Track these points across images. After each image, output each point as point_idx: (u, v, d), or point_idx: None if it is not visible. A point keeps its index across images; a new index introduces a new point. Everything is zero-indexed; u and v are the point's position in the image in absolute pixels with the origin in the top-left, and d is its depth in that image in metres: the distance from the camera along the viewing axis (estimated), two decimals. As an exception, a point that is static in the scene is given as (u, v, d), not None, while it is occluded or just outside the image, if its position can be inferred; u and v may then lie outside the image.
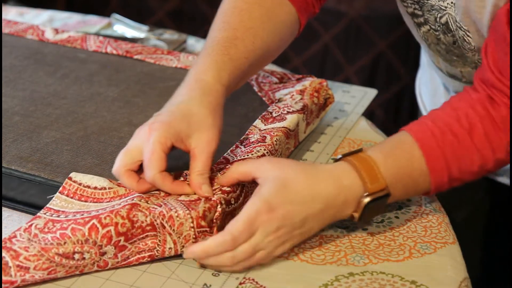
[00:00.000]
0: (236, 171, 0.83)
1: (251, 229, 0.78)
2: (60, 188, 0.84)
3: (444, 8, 0.94)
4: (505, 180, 1.13)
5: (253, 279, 0.79)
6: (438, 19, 0.97)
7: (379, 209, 0.85)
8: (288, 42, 0.99)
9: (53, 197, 0.83)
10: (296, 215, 0.80)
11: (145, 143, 0.82)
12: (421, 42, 1.06)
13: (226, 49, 0.89)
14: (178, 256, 0.81)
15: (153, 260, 0.81)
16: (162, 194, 0.83)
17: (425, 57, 1.22)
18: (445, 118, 0.86)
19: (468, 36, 0.94)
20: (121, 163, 0.83)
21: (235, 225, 0.78)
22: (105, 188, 0.83)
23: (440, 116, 0.87)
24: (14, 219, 0.85)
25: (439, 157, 0.85)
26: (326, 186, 0.81)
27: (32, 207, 0.86)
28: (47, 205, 0.82)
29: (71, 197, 0.83)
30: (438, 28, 0.98)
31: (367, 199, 0.82)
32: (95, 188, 0.83)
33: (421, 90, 1.27)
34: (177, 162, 0.90)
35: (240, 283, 0.79)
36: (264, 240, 0.79)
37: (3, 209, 0.87)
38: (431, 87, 1.21)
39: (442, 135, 0.85)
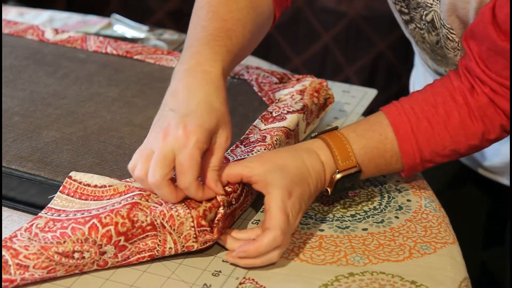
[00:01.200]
0: (226, 174, 0.82)
1: (287, 217, 0.80)
2: (61, 188, 0.84)
3: (430, 5, 0.95)
4: (504, 180, 1.13)
5: (253, 279, 0.79)
6: (423, 17, 0.97)
7: (353, 184, 0.90)
8: (264, 34, 0.98)
9: (54, 197, 0.83)
10: (305, 192, 0.84)
11: (182, 148, 0.77)
12: (410, 39, 1.07)
13: (223, 40, 0.87)
14: (178, 256, 0.81)
15: (153, 259, 0.81)
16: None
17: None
18: (423, 104, 0.89)
19: (451, 33, 0.95)
20: (162, 172, 0.77)
21: (276, 218, 0.79)
22: (105, 186, 0.83)
23: (419, 101, 0.90)
24: (14, 220, 0.85)
25: (412, 141, 0.89)
26: (312, 162, 0.86)
27: (32, 206, 0.86)
28: (48, 205, 0.82)
29: (72, 196, 0.83)
30: (423, 27, 0.99)
31: (338, 175, 0.86)
32: (95, 186, 0.83)
33: (415, 88, 1.28)
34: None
35: (240, 283, 0.79)
36: (295, 223, 0.82)
37: (3, 209, 0.87)
38: (423, 83, 1.22)
39: (418, 121, 0.89)
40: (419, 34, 1.01)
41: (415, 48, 1.09)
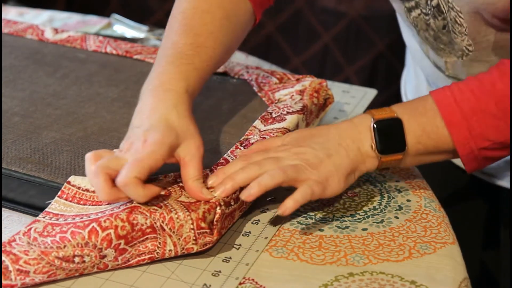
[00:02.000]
0: (258, 145, 0.90)
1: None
2: (59, 192, 0.84)
3: None
4: (505, 183, 1.12)
5: (253, 279, 0.79)
6: (429, 2, 0.97)
7: (396, 141, 0.89)
8: (242, 39, 1.00)
9: (51, 202, 0.83)
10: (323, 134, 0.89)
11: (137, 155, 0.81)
12: (410, 28, 1.06)
13: (190, 58, 0.89)
14: (178, 256, 0.81)
15: (153, 261, 0.81)
16: (162, 193, 0.83)
17: (410, 55, 1.21)
18: (467, 81, 0.89)
19: (460, 17, 0.95)
20: (133, 172, 0.79)
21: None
22: None
23: (465, 80, 0.90)
24: (14, 220, 0.85)
25: (456, 111, 0.88)
26: (338, 124, 0.90)
27: (32, 208, 0.85)
28: (46, 209, 0.82)
29: (70, 201, 0.83)
30: (429, 12, 0.98)
31: (374, 124, 0.88)
32: (94, 192, 0.83)
33: (406, 89, 1.28)
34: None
35: (240, 283, 0.79)
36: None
37: (3, 209, 0.87)
38: (415, 82, 1.22)
39: (461, 93, 0.88)
40: (423, 21, 1.00)
41: (416, 39, 1.09)
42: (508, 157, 1.09)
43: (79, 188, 0.84)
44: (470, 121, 0.87)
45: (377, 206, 0.91)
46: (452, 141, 0.88)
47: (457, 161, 1.17)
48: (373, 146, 0.88)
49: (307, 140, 0.88)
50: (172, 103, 0.85)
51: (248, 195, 0.82)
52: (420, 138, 0.89)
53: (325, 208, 0.91)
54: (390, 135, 0.88)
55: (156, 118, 0.84)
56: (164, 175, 0.87)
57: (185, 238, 0.79)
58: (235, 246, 0.84)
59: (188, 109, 0.86)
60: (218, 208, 0.81)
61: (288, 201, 0.83)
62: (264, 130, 0.94)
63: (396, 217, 0.89)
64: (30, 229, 0.79)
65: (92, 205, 0.82)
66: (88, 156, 0.82)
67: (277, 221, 0.88)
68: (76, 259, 0.77)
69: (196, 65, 0.89)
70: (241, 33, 0.98)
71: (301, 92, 1.01)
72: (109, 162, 0.80)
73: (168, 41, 0.91)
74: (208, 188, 0.83)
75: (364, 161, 0.88)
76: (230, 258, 0.82)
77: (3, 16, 1.34)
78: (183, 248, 0.80)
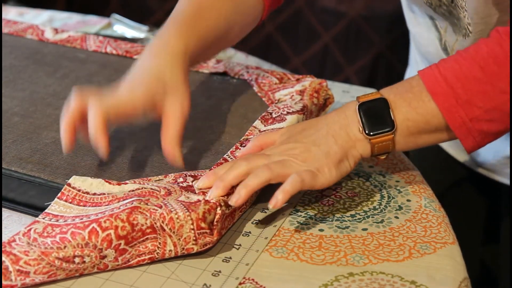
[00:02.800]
0: (258, 139, 0.90)
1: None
2: (59, 194, 0.84)
3: None
4: (504, 180, 1.13)
5: (253, 279, 0.80)
6: None
7: (383, 120, 0.87)
8: (250, 27, 1.01)
9: (50, 203, 0.83)
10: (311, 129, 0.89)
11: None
12: (422, 13, 1.05)
13: (192, 22, 0.91)
14: (178, 256, 0.81)
15: (153, 261, 0.81)
16: (162, 193, 0.83)
17: (414, 51, 1.21)
18: (453, 55, 0.89)
19: None
20: (96, 120, 0.84)
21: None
22: (103, 194, 0.83)
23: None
24: (14, 220, 0.85)
25: (439, 79, 0.86)
26: (327, 114, 0.90)
27: (32, 208, 0.85)
28: (46, 210, 0.82)
29: (70, 202, 0.83)
30: None
31: (359, 106, 0.88)
32: (94, 194, 0.83)
33: None
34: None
35: (240, 283, 0.79)
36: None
37: (3, 209, 0.87)
38: None
39: (444, 62, 0.87)
40: None
41: (421, 29, 1.08)
42: (507, 152, 1.09)
43: (79, 190, 0.84)
44: (456, 88, 0.85)
45: (377, 206, 0.91)
46: (440, 113, 0.86)
47: (458, 158, 1.17)
48: (361, 129, 0.87)
49: (297, 135, 0.88)
50: (169, 58, 0.88)
51: (237, 199, 0.82)
52: (408, 114, 0.87)
53: (325, 208, 0.91)
54: (376, 115, 0.87)
55: (147, 70, 0.87)
56: (164, 175, 0.87)
57: (185, 238, 0.79)
58: (235, 246, 0.84)
59: (182, 68, 0.88)
60: (218, 208, 0.81)
61: (277, 193, 0.82)
62: (264, 130, 0.94)
63: (396, 217, 0.89)
64: (29, 229, 0.79)
65: (92, 206, 0.82)
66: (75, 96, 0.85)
67: (277, 221, 0.88)
68: (76, 260, 0.77)
69: (197, 30, 0.91)
70: (248, 17, 0.99)
71: (301, 92, 1.01)
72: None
73: (174, 10, 0.94)
74: (198, 192, 0.83)
75: (354, 146, 0.87)
76: (230, 258, 0.82)
77: (3, 16, 1.34)
78: (183, 248, 0.80)
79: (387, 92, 0.89)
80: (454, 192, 1.22)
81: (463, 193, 1.22)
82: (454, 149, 1.18)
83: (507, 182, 1.12)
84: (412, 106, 0.87)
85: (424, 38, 1.09)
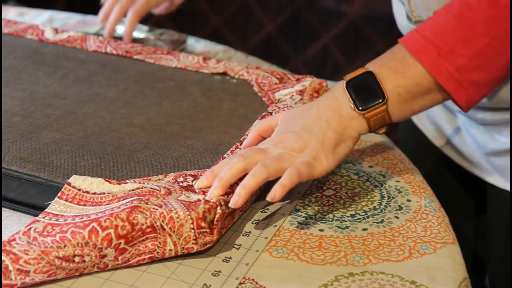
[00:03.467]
0: (256, 128, 0.91)
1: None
2: (59, 194, 0.84)
3: None
4: (506, 186, 1.12)
5: (253, 279, 0.80)
6: None
7: (373, 92, 0.87)
8: None
9: (50, 203, 0.83)
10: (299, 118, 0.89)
11: None
12: None
13: None
14: (178, 256, 0.81)
15: (153, 261, 0.81)
16: (162, 192, 0.83)
17: None
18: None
19: None
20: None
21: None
22: (104, 193, 0.83)
23: None
24: (14, 219, 0.85)
25: (417, 37, 0.87)
26: (319, 98, 0.90)
27: (32, 208, 0.85)
28: (46, 210, 0.82)
29: (70, 202, 0.83)
30: None
31: (346, 83, 0.87)
32: (94, 193, 0.83)
33: None
34: (177, 162, 0.90)
35: (240, 283, 0.79)
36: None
37: (3, 209, 0.87)
38: None
39: (424, 24, 0.87)
40: None
41: (401, 10, 1.08)
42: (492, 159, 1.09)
43: (79, 189, 0.84)
44: (436, 42, 0.85)
45: (377, 206, 0.91)
46: (426, 70, 0.86)
47: (457, 160, 1.17)
48: (352, 106, 0.87)
49: (292, 124, 0.88)
50: None
51: (236, 200, 0.81)
52: (397, 81, 0.87)
53: (325, 208, 0.91)
54: (365, 89, 0.87)
55: None
56: (164, 174, 0.87)
57: (185, 237, 0.79)
58: (235, 246, 0.84)
59: None
60: (218, 208, 0.81)
61: (276, 187, 0.82)
62: (264, 130, 0.94)
63: (396, 217, 0.89)
64: (30, 229, 0.79)
65: (92, 205, 0.82)
66: None
67: (277, 221, 0.88)
68: (76, 259, 0.77)
69: None
70: None
71: (301, 92, 1.01)
72: None
73: None
74: (198, 191, 0.83)
75: (350, 125, 0.87)
76: (230, 258, 0.82)
77: (3, 16, 1.34)
78: (183, 248, 0.80)
79: (372, 65, 0.88)
80: (455, 195, 1.22)
81: (463, 195, 1.22)
82: (454, 152, 1.18)
83: (495, 183, 1.11)
84: (398, 72, 0.87)
85: (397, 14, 1.11)
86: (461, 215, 1.19)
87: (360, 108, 0.87)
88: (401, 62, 0.87)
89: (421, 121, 1.23)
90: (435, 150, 1.21)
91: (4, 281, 0.75)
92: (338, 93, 0.88)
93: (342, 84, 0.88)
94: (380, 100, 0.87)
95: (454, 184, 1.22)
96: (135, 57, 1.15)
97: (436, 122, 1.19)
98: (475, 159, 1.13)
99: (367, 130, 0.88)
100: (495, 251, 1.16)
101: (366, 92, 0.87)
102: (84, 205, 0.82)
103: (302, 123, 0.88)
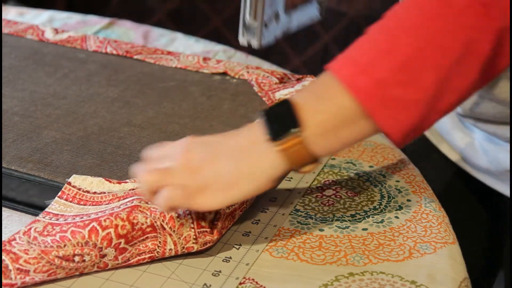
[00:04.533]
0: None
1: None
2: (59, 193, 0.84)
3: None
4: (505, 190, 1.12)
5: (253, 279, 0.80)
6: None
7: (287, 120, 0.73)
8: None
9: (50, 202, 0.83)
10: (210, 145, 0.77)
11: None
12: None
13: None
14: (178, 256, 0.81)
15: (153, 260, 0.81)
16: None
17: None
18: None
19: None
20: None
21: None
22: (104, 193, 0.83)
23: None
24: (14, 219, 0.85)
25: (339, 57, 0.76)
26: (233, 132, 0.78)
27: (32, 207, 0.86)
28: (46, 209, 0.82)
29: (70, 201, 0.83)
30: None
31: (262, 114, 0.75)
32: (95, 193, 0.83)
33: None
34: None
35: (240, 283, 0.79)
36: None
37: (3, 209, 0.87)
38: None
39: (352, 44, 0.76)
40: None
41: None
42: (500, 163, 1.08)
43: (79, 189, 0.84)
44: (354, 57, 0.74)
45: (377, 206, 0.91)
46: (343, 87, 0.73)
47: (457, 160, 1.17)
48: (265, 137, 0.74)
49: (197, 147, 0.77)
50: None
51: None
52: (317, 107, 0.74)
53: (325, 208, 0.91)
54: (280, 119, 0.74)
55: None
56: None
57: (185, 237, 0.79)
58: (235, 246, 0.84)
59: None
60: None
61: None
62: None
63: (396, 217, 0.89)
64: (30, 228, 0.79)
65: (93, 205, 0.82)
66: None
67: (277, 221, 0.88)
68: (76, 258, 0.77)
69: None
70: None
71: (301, 92, 1.01)
72: None
73: None
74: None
75: (263, 161, 0.74)
76: (230, 258, 0.82)
77: (3, 16, 1.34)
78: (183, 247, 0.80)
79: (294, 95, 0.76)
80: (454, 195, 1.22)
81: (463, 195, 1.22)
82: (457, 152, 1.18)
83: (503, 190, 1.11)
84: (319, 97, 0.74)
85: None
86: (462, 215, 1.19)
87: (272, 138, 0.73)
88: (322, 85, 0.75)
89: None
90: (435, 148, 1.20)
91: (4, 281, 0.75)
92: (253, 124, 0.76)
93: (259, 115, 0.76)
94: (295, 128, 0.73)
95: (455, 182, 1.22)
96: (135, 57, 1.15)
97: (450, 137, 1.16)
98: (491, 173, 1.12)
99: (284, 167, 0.74)
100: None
101: (280, 121, 0.74)
102: (84, 205, 0.82)
103: (209, 150, 0.76)
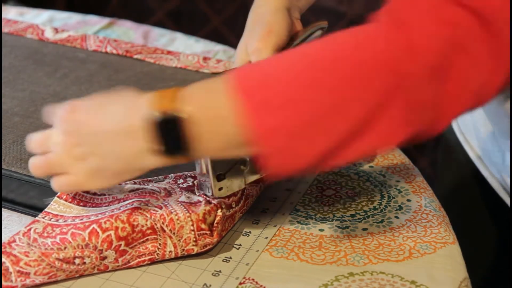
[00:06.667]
0: None
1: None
2: (59, 193, 0.84)
3: None
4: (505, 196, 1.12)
5: (253, 279, 0.80)
6: None
7: (176, 143, 0.72)
8: None
9: (50, 201, 0.83)
10: (90, 125, 0.75)
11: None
12: None
13: None
14: (178, 256, 0.81)
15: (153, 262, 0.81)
16: (163, 194, 0.83)
17: None
18: None
19: None
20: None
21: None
22: (104, 194, 0.83)
23: None
24: (14, 220, 0.85)
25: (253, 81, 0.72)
26: (117, 104, 0.76)
27: (32, 209, 0.86)
28: (46, 209, 0.82)
29: (70, 202, 0.83)
30: None
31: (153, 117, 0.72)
32: (94, 194, 0.83)
33: None
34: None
35: (240, 283, 0.79)
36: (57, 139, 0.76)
37: (3, 210, 0.87)
38: None
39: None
40: None
41: None
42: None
43: (79, 189, 0.84)
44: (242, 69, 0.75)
45: (377, 206, 0.91)
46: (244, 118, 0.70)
47: (457, 161, 1.17)
48: (149, 145, 0.72)
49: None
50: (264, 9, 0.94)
51: None
52: (209, 128, 0.71)
53: (325, 208, 0.91)
54: (169, 134, 0.72)
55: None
56: (164, 175, 0.87)
57: (185, 239, 0.79)
58: (235, 246, 0.84)
59: (284, 16, 0.96)
60: (219, 210, 0.81)
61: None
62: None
63: (396, 217, 0.89)
64: (29, 229, 0.79)
65: (92, 206, 0.82)
66: None
67: (277, 221, 0.88)
68: (77, 261, 0.77)
69: None
70: None
71: (301, 92, 1.01)
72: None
73: None
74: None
75: (140, 158, 0.73)
76: (230, 258, 0.82)
77: (3, 15, 1.34)
78: (183, 249, 0.80)
79: (192, 110, 0.74)
80: (454, 195, 1.22)
81: (463, 195, 1.22)
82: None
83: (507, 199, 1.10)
84: (217, 117, 0.72)
85: None
86: (462, 215, 1.19)
87: (159, 150, 0.72)
88: (224, 105, 0.73)
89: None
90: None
91: (4, 283, 0.75)
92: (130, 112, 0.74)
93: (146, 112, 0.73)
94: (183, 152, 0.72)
95: (455, 182, 1.22)
96: (135, 56, 1.15)
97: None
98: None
99: (162, 163, 0.73)
100: None
101: (168, 138, 0.72)
102: (84, 206, 0.82)
103: (94, 131, 0.74)
